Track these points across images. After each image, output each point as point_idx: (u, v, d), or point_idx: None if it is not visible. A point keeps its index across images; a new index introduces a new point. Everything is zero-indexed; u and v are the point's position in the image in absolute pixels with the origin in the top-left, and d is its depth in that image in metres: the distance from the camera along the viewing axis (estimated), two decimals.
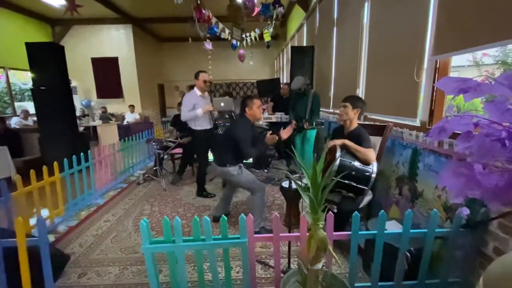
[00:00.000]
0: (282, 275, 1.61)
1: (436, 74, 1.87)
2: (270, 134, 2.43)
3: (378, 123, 2.53)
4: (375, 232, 1.52)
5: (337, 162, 1.81)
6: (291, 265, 1.86)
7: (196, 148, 3.51)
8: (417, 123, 2.07)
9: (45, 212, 2.71)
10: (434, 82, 1.88)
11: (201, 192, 3.42)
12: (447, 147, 1.64)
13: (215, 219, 2.62)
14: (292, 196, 2.48)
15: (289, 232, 1.89)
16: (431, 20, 1.87)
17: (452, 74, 1.97)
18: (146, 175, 4.11)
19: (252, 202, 2.43)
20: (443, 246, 1.64)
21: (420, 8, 1.97)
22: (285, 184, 2.62)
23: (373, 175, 1.90)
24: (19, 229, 1.48)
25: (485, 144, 0.73)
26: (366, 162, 1.93)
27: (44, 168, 2.70)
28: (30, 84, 7.31)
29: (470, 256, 1.49)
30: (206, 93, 3.35)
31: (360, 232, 1.52)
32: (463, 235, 1.47)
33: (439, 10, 1.79)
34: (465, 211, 0.83)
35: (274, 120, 4.57)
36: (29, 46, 4.13)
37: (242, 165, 2.43)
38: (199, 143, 3.31)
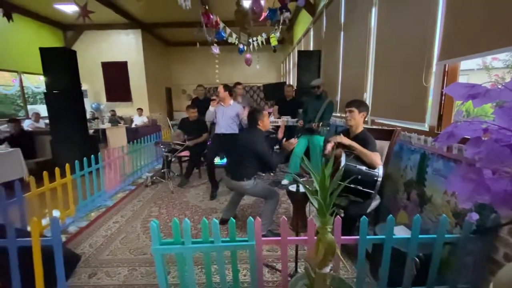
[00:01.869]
0: (289, 278, 1.62)
1: (445, 78, 1.87)
2: (285, 141, 2.45)
3: (386, 128, 2.52)
4: (383, 237, 1.51)
5: (342, 166, 1.81)
6: (298, 269, 1.87)
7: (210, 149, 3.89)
8: (425, 127, 2.06)
9: (56, 213, 2.78)
10: (442, 86, 1.88)
11: (213, 192, 3.56)
12: (456, 152, 1.63)
13: (223, 221, 2.64)
14: (299, 200, 2.48)
15: (297, 236, 1.90)
16: (440, 24, 1.87)
17: (461, 78, 1.96)
18: (154, 178, 4.16)
19: (264, 205, 2.45)
20: (452, 252, 1.62)
21: (428, 13, 1.98)
22: (292, 187, 2.63)
23: (379, 179, 1.90)
24: (34, 229, 1.52)
25: (494, 149, 0.74)
26: (372, 166, 1.93)
27: (56, 170, 2.78)
28: (42, 88, 7.56)
29: (479, 262, 1.47)
30: (232, 103, 3.52)
31: (368, 237, 1.52)
32: (473, 241, 1.45)
33: (447, 15, 1.79)
34: (474, 216, 0.83)
35: (280, 123, 4.58)
36: (43, 51, 4.26)
37: (256, 176, 2.45)
38: (211, 143, 3.71)
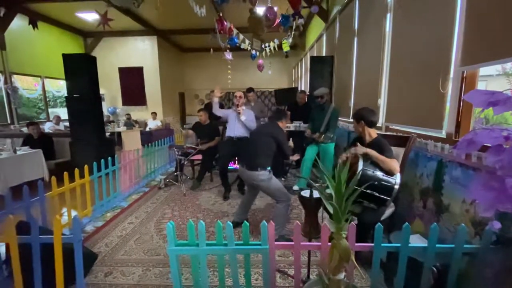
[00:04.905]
0: (301, 285, 1.61)
1: (463, 84, 1.84)
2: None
3: (401, 134, 2.49)
4: (399, 245, 1.49)
5: (359, 170, 1.80)
6: (310, 275, 1.85)
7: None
8: (442, 134, 2.02)
9: (74, 213, 2.88)
10: (460, 93, 1.84)
11: (226, 193, 3.66)
12: (475, 160, 1.59)
13: (234, 225, 2.63)
14: (312, 206, 2.47)
15: (309, 241, 1.89)
16: (457, 30, 1.85)
17: (480, 83, 1.92)
18: (167, 180, 4.24)
19: (276, 209, 2.45)
20: (471, 263, 1.57)
21: (445, 19, 1.96)
22: (304, 193, 2.63)
23: (396, 186, 1.87)
24: (56, 227, 1.59)
25: None
26: (390, 173, 1.90)
27: (76, 171, 2.88)
28: (62, 92, 7.88)
29: (501, 274, 1.41)
30: (244, 108, 3.60)
31: (383, 245, 1.50)
32: (494, 252, 1.41)
33: (467, 21, 1.77)
34: (496, 225, 0.82)
35: (292, 128, 4.59)
36: (66, 57, 4.46)
37: (271, 170, 2.48)
38: (222, 147, 3.78)
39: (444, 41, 1.96)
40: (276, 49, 6.34)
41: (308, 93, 4.96)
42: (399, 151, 2.21)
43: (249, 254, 1.54)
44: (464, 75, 1.82)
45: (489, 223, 1.35)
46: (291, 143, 3.04)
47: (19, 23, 6.46)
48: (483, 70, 1.84)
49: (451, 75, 1.91)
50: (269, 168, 2.46)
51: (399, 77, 2.69)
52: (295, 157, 2.94)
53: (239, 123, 3.52)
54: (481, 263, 1.45)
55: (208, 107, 4.99)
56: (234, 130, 3.55)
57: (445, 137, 1.98)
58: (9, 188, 3.35)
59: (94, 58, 4.74)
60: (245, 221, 1.56)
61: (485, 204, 0.74)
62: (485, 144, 0.86)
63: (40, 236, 1.65)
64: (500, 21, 1.51)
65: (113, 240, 2.54)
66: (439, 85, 1.99)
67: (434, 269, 1.49)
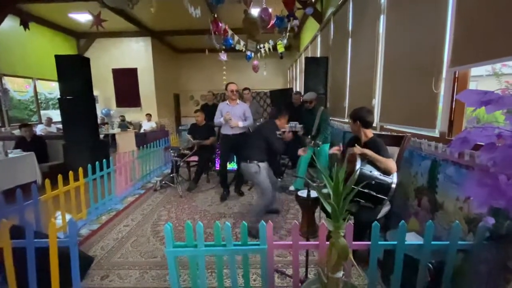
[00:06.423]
0: (299, 284, 1.62)
1: (455, 84, 1.87)
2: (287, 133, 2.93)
3: (395, 134, 2.52)
4: (395, 243, 1.51)
5: (357, 169, 1.82)
6: (309, 275, 1.86)
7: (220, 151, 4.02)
8: (436, 133, 2.06)
9: (68, 216, 2.83)
10: (453, 93, 1.88)
11: (224, 194, 3.64)
12: (468, 158, 1.62)
13: (273, 211, 3.02)
14: (309, 206, 2.49)
15: (307, 241, 1.90)
16: (449, 31, 1.89)
17: (471, 84, 1.96)
18: (163, 182, 4.21)
19: (256, 202, 2.59)
20: (465, 260, 1.60)
21: (437, 20, 2.00)
22: (301, 193, 2.64)
23: (393, 185, 1.90)
24: (52, 230, 1.57)
25: (509, 155, 0.75)
26: (387, 172, 1.93)
27: (70, 174, 2.84)
28: (54, 94, 7.77)
29: (494, 270, 1.45)
30: (238, 101, 3.65)
31: (379, 243, 1.52)
32: (487, 248, 1.44)
33: (458, 22, 1.81)
34: (490, 220, 0.84)
35: (287, 129, 4.61)
36: (58, 58, 4.40)
37: (260, 164, 2.63)
38: (221, 145, 3.76)
39: (436, 42, 2.00)
40: (271, 50, 6.37)
41: (303, 94, 4.99)
42: (393, 150, 2.24)
43: (248, 254, 1.55)
44: (456, 75, 1.86)
45: (483, 219, 1.38)
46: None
47: (10, 23, 6.34)
48: (474, 71, 1.88)
49: (444, 75, 1.95)
50: (258, 162, 2.63)
51: (393, 78, 2.73)
52: (302, 152, 3.06)
53: (233, 118, 3.48)
54: (475, 259, 1.48)
55: (204, 108, 4.98)
56: (230, 128, 3.52)
57: (438, 136, 2.02)
58: (2, 192, 3.29)
59: (88, 59, 4.69)
60: (244, 222, 1.56)
61: (479, 200, 0.76)
62: (478, 143, 0.88)
63: (35, 240, 1.62)
64: (489, 23, 1.55)
65: (109, 243, 2.51)
66: (432, 85, 2.03)
67: (430, 266, 1.51)
